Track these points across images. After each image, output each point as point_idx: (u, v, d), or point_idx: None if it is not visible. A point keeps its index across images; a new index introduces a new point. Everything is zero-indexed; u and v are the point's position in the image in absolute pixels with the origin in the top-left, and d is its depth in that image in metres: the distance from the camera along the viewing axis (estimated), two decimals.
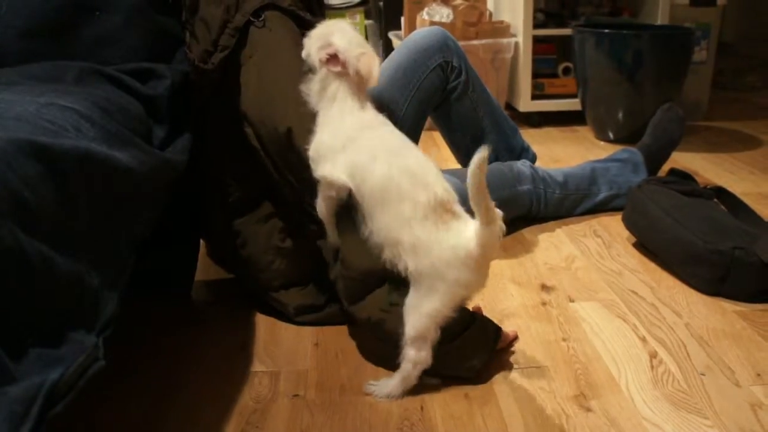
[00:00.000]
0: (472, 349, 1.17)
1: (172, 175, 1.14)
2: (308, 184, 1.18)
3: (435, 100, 1.74)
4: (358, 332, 1.33)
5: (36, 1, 1.16)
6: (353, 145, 1.12)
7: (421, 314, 1.08)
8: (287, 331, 1.36)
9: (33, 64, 1.11)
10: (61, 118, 0.86)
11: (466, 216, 1.09)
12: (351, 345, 1.30)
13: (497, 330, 1.22)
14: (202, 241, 1.58)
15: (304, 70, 1.19)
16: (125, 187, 0.93)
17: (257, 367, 1.24)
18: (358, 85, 1.15)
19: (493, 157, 1.84)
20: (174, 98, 1.22)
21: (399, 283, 1.12)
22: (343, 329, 1.35)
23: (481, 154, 0.94)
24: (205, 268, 1.62)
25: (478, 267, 1.08)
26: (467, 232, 1.06)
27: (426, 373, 1.14)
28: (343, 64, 1.13)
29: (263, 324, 1.39)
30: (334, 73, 1.15)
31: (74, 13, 1.18)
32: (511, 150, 1.90)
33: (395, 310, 1.12)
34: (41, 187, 0.75)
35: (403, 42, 1.75)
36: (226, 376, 1.22)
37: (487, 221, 1.02)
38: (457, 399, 1.13)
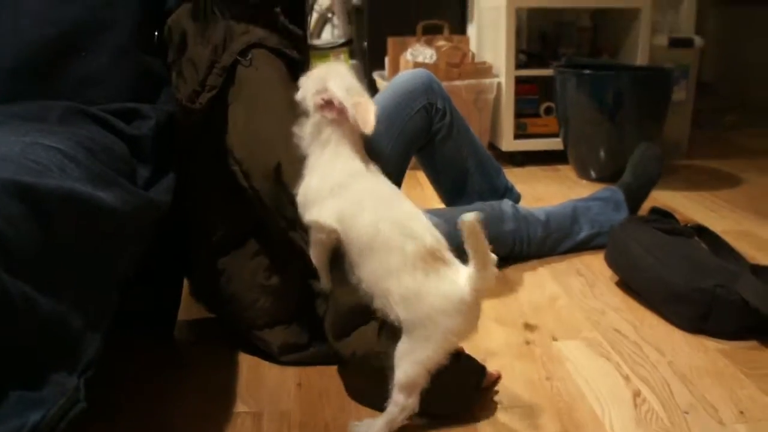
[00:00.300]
0: (457, 387, 1.17)
1: (156, 215, 1.14)
2: (297, 221, 1.18)
3: (419, 141, 1.76)
4: (341, 372, 1.32)
5: (21, 41, 1.17)
6: (342, 192, 1.12)
7: (414, 362, 1.08)
8: (270, 371, 1.35)
9: (18, 103, 1.11)
10: (46, 158, 0.86)
11: (456, 262, 1.09)
12: (334, 385, 1.29)
13: (481, 369, 1.21)
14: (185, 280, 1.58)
15: (297, 113, 1.19)
16: (109, 227, 0.93)
17: (240, 407, 1.23)
18: (353, 132, 1.15)
19: (477, 197, 1.86)
20: (158, 138, 1.22)
21: (386, 322, 1.12)
22: (326, 369, 1.34)
23: (472, 218, 0.96)
24: (188, 307, 1.60)
25: (471, 312, 1.07)
26: (459, 278, 1.06)
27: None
28: (340, 111, 1.13)
29: (246, 364, 1.38)
30: (328, 118, 1.15)
31: (60, 53, 1.19)
32: (495, 190, 1.91)
33: (382, 348, 1.12)
34: (24, 226, 0.75)
35: (388, 84, 1.77)
36: (208, 417, 1.20)
37: (483, 265, 1.02)
38: None
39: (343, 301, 1.17)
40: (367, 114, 1.12)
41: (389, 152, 1.65)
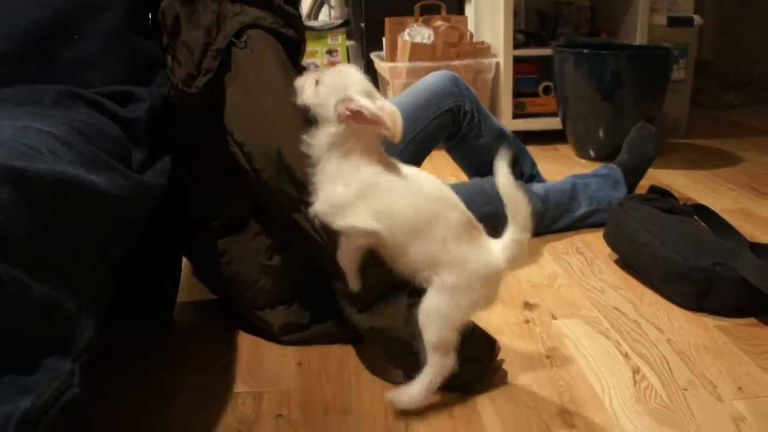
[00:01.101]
0: (474, 357, 1.18)
1: (151, 199, 1.14)
2: (301, 201, 1.17)
3: (438, 140, 1.85)
4: (341, 352, 1.33)
5: (13, 25, 1.15)
6: (371, 191, 1.11)
7: (447, 323, 1.10)
8: (270, 351, 1.36)
9: (10, 87, 1.10)
10: (38, 142, 0.86)
11: (485, 234, 1.14)
12: (334, 365, 1.30)
13: (493, 342, 1.23)
14: (185, 261, 1.58)
15: (306, 116, 1.16)
16: (102, 211, 0.92)
17: (240, 387, 1.23)
18: (375, 138, 1.13)
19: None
20: (153, 121, 1.21)
21: (410, 293, 1.15)
22: (327, 349, 1.35)
23: (502, 163, 1.03)
24: (188, 288, 1.61)
25: (501, 281, 1.14)
26: (495, 248, 1.12)
27: None
28: (372, 121, 1.08)
29: (246, 344, 1.38)
30: (352, 128, 1.11)
31: (52, 37, 1.18)
32: (522, 174, 2.01)
33: (407, 321, 1.14)
34: (15, 211, 0.74)
35: (413, 85, 1.85)
36: (209, 397, 1.21)
37: (524, 226, 1.09)
38: (441, 418, 1.13)
39: (362, 274, 1.16)
40: (397, 122, 1.10)
41: (408, 146, 1.72)
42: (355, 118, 1.09)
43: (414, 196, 1.12)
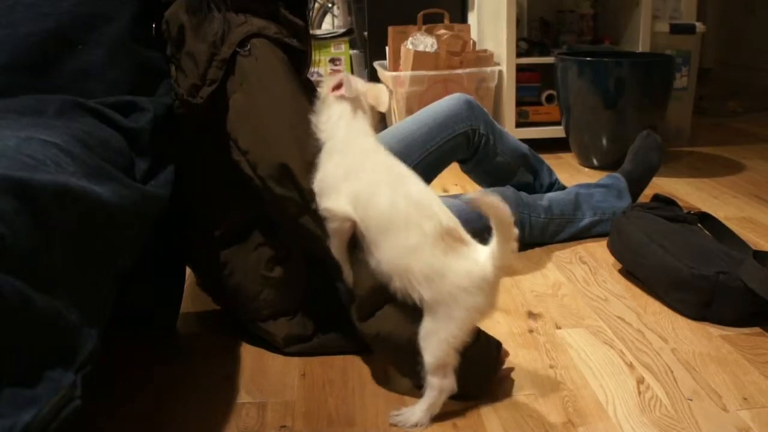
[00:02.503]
0: (480, 364, 1.18)
1: (154, 209, 1.14)
2: (307, 205, 1.18)
3: (450, 162, 1.88)
4: (345, 363, 1.32)
5: (17, 35, 1.16)
6: (357, 175, 1.13)
7: (440, 342, 1.09)
8: (274, 361, 1.35)
9: (13, 97, 1.10)
10: (41, 153, 0.86)
11: (473, 241, 1.12)
12: (338, 376, 1.29)
13: (499, 345, 1.23)
14: (189, 272, 1.58)
15: (302, 101, 1.22)
16: (105, 221, 0.92)
17: (244, 398, 1.23)
18: (365, 114, 1.19)
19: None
20: (157, 131, 1.21)
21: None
22: (330, 360, 1.34)
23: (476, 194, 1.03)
24: (191, 299, 1.61)
25: (492, 289, 1.10)
26: (479, 256, 1.09)
27: None
28: (349, 89, 1.17)
29: (250, 355, 1.38)
30: (338, 98, 1.18)
31: (56, 47, 1.18)
32: (541, 185, 2.03)
33: (408, 327, 1.13)
34: (17, 222, 0.74)
35: (429, 106, 1.87)
36: (212, 408, 1.20)
37: (507, 237, 1.05)
38: (445, 428, 1.12)
39: (365, 281, 1.17)
40: (379, 92, 1.18)
41: (419, 161, 1.75)
42: (338, 88, 1.18)
43: (395, 193, 1.11)
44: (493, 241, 1.07)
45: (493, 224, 1.05)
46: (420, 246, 1.08)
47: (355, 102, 1.20)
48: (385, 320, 1.17)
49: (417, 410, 1.12)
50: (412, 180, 1.16)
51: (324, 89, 1.22)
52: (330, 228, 1.16)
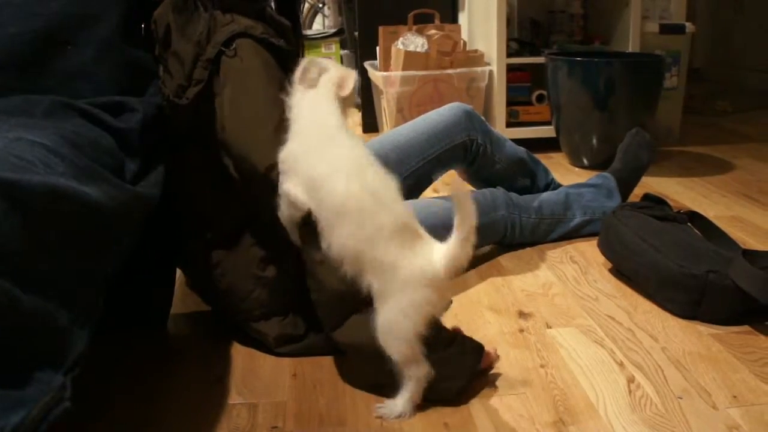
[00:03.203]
0: (453, 368, 1.17)
1: (144, 209, 1.13)
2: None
3: (445, 170, 1.88)
4: (335, 363, 1.32)
5: (6, 35, 1.15)
6: (315, 157, 1.13)
7: (396, 338, 1.10)
8: (265, 362, 1.35)
9: (2, 98, 1.10)
10: (30, 154, 0.85)
11: (429, 238, 1.12)
12: (329, 376, 1.29)
13: (479, 348, 1.22)
14: (179, 273, 1.57)
15: (285, 102, 1.21)
16: (95, 222, 0.92)
17: (235, 399, 1.23)
18: (331, 96, 1.18)
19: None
20: (146, 131, 1.21)
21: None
22: (321, 360, 1.34)
23: (458, 181, 1.02)
24: (182, 300, 1.60)
25: (444, 286, 1.10)
26: (434, 253, 1.09)
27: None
28: (304, 78, 1.17)
29: (240, 356, 1.38)
30: (305, 85, 1.18)
31: (45, 47, 1.18)
32: (539, 188, 2.03)
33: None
34: (6, 223, 0.74)
35: (427, 114, 1.88)
36: (204, 408, 1.20)
37: (466, 238, 1.05)
38: (436, 427, 1.12)
39: (330, 288, 1.17)
40: (343, 76, 1.18)
41: (416, 172, 1.77)
42: (303, 73, 1.18)
43: (351, 180, 1.10)
44: (452, 240, 1.07)
45: (456, 221, 1.06)
46: (373, 237, 1.08)
47: (321, 88, 1.19)
48: (356, 329, 1.17)
49: (399, 402, 1.14)
50: (372, 169, 1.14)
51: (296, 80, 1.21)
52: (282, 209, 1.17)
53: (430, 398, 1.16)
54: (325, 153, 1.14)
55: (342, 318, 1.18)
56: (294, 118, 1.18)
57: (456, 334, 1.20)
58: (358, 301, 1.14)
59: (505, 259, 1.82)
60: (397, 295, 1.09)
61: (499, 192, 1.83)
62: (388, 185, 1.13)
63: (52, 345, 0.78)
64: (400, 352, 1.10)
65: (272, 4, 1.46)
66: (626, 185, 2.02)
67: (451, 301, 1.17)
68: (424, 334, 1.10)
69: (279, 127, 1.19)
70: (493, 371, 1.27)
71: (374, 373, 1.20)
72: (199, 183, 1.37)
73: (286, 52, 1.34)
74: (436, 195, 2.11)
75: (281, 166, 1.17)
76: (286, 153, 1.16)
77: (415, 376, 1.12)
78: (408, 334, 1.09)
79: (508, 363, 1.31)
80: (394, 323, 1.09)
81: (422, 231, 1.13)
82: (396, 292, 1.09)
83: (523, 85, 3.03)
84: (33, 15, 1.19)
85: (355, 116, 3.46)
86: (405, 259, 1.08)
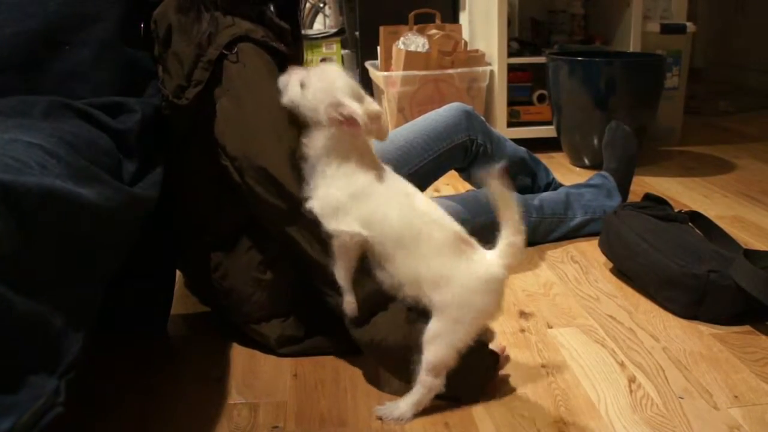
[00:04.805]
0: (477, 368, 1.19)
1: (142, 211, 1.13)
2: (294, 215, 1.18)
3: (446, 171, 1.88)
4: (336, 363, 1.32)
5: (3, 36, 1.15)
6: (366, 198, 1.14)
7: (446, 344, 1.11)
8: (266, 362, 1.35)
9: (0, 99, 1.10)
10: (25, 155, 0.85)
11: (479, 246, 1.15)
12: (329, 376, 1.29)
13: (496, 356, 1.23)
14: (178, 274, 1.57)
15: (288, 109, 1.20)
16: (91, 224, 0.91)
17: (236, 399, 1.23)
18: (366, 141, 1.18)
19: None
20: (145, 132, 1.21)
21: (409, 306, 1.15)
22: (322, 360, 1.34)
23: (497, 170, 1.04)
24: (182, 301, 1.60)
25: (501, 290, 1.13)
26: (488, 258, 1.13)
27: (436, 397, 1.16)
28: (363, 126, 1.11)
29: (241, 356, 1.37)
30: (345, 133, 1.14)
31: (43, 48, 1.17)
32: (539, 187, 2.04)
33: (404, 333, 1.15)
34: (1, 225, 0.73)
35: (427, 114, 1.87)
36: (204, 409, 1.20)
37: (516, 231, 1.09)
38: (437, 427, 1.12)
39: (360, 287, 1.17)
40: (386, 124, 1.19)
41: (417, 172, 1.75)
42: (348, 123, 1.12)
43: (404, 208, 1.14)
44: (503, 237, 1.11)
45: (502, 217, 1.09)
46: (429, 254, 1.11)
47: (359, 132, 1.14)
48: (379, 327, 1.17)
49: (402, 404, 1.14)
50: (416, 193, 1.18)
51: (322, 112, 1.14)
52: (336, 246, 1.15)
53: (448, 396, 1.16)
54: (374, 192, 1.15)
55: (369, 315, 1.18)
56: (326, 160, 1.15)
57: (481, 343, 1.20)
58: (386, 300, 1.16)
59: (522, 256, 1.81)
60: (459, 305, 1.11)
61: None
62: (434, 207, 1.17)
63: (46, 349, 0.77)
64: (439, 357, 1.11)
65: (272, 8, 1.46)
66: (624, 181, 2.02)
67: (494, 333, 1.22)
68: (469, 345, 1.12)
69: (281, 129, 1.20)
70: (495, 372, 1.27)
71: (391, 371, 1.22)
72: (198, 184, 1.37)
73: (286, 56, 1.33)
74: (437, 195, 2.11)
75: (319, 210, 1.14)
76: (326, 198, 1.14)
77: (430, 385, 1.13)
78: (458, 342, 1.11)
79: (509, 363, 1.30)
80: (449, 331, 1.11)
81: (473, 240, 1.15)
82: (456, 301, 1.10)
83: (523, 85, 3.03)
84: (30, 15, 1.18)
85: None
86: (462, 269, 1.11)
